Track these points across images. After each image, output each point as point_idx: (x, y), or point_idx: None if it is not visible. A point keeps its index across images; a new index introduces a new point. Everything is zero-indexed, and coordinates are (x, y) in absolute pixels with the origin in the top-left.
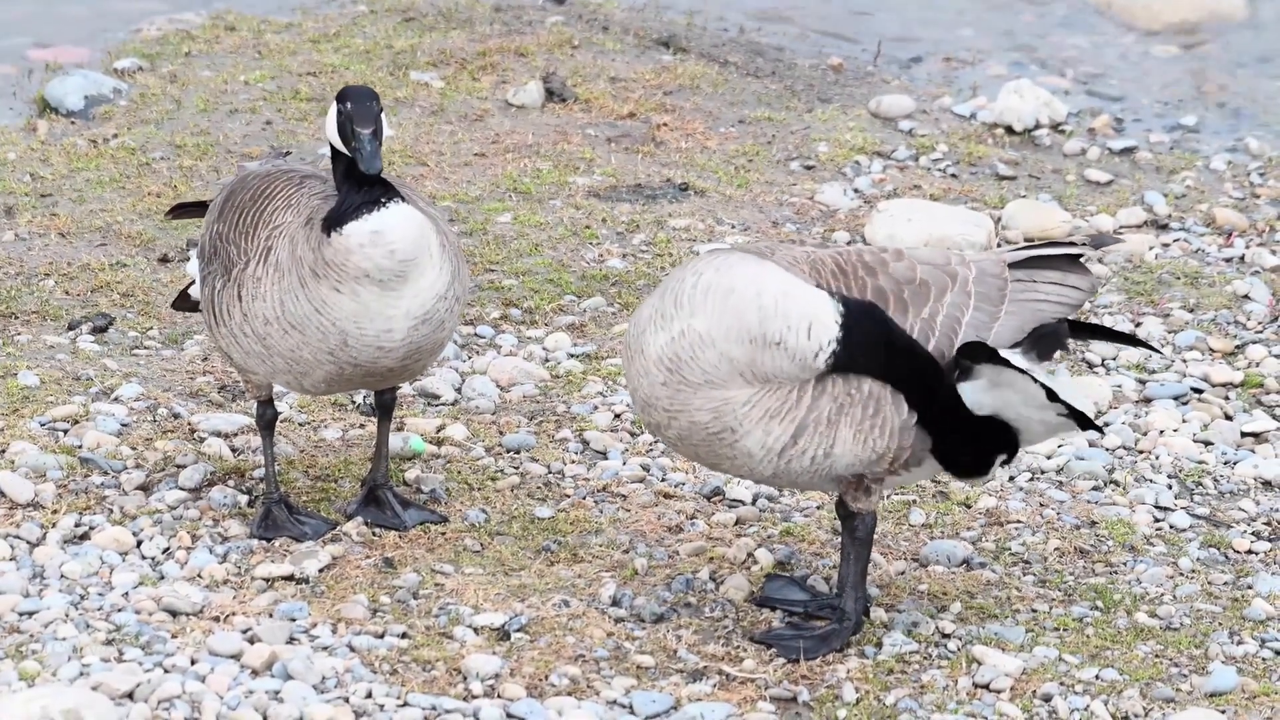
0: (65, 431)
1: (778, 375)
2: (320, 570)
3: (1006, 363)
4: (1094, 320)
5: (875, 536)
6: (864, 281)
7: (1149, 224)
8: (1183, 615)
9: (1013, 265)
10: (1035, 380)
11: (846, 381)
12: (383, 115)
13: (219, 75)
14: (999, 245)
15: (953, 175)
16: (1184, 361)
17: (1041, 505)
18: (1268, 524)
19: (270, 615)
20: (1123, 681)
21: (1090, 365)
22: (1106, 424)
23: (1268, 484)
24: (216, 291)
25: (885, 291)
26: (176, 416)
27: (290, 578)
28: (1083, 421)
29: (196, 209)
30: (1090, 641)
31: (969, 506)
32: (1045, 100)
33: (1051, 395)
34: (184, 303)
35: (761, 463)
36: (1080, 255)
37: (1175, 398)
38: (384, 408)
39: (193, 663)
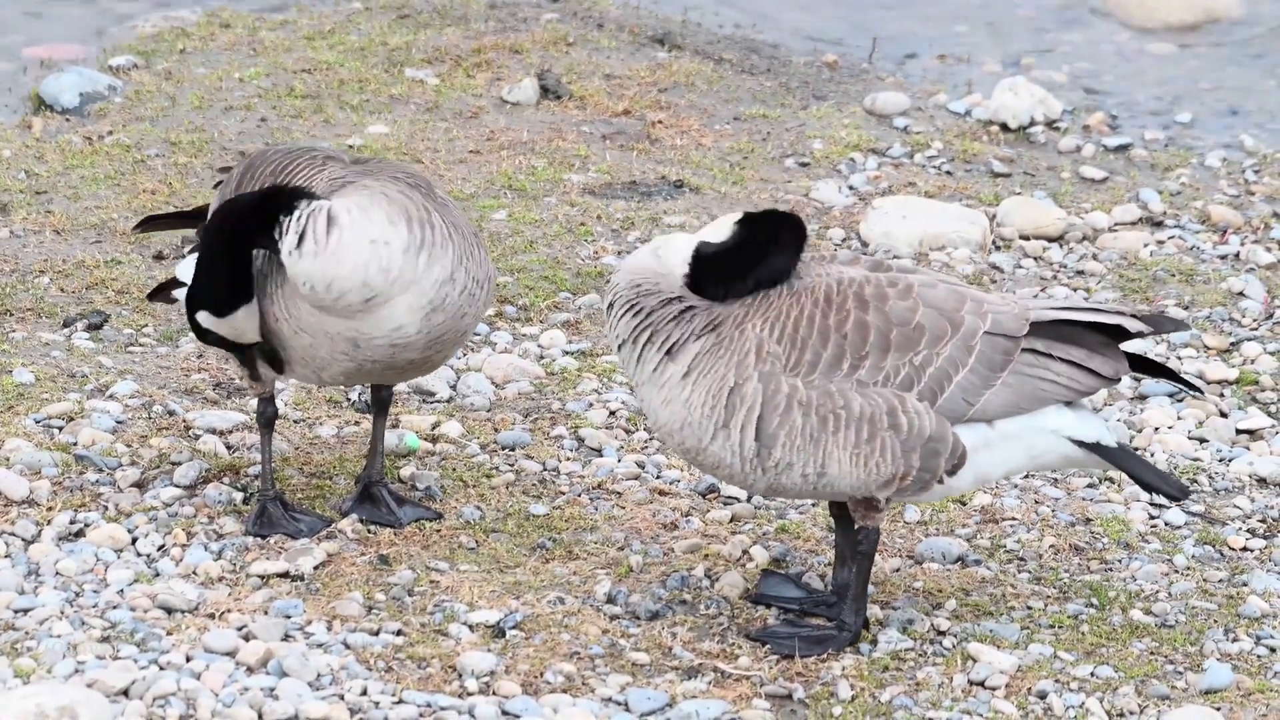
0: (60, 428)
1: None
2: (315, 567)
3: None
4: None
5: None
6: (847, 313)
7: (1144, 221)
8: (1178, 612)
9: (1040, 325)
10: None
11: (815, 388)
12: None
13: (214, 72)
14: (994, 243)
15: (948, 172)
16: (1179, 359)
17: (1036, 502)
18: (1262, 521)
19: (265, 612)
20: (1118, 679)
21: None
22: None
23: (1262, 481)
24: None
25: (868, 326)
26: (171, 413)
27: (285, 575)
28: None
29: (168, 221)
30: (1085, 639)
31: (964, 504)
32: (1040, 97)
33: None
34: (161, 295)
35: (750, 475)
36: (1123, 329)
37: (1170, 395)
38: (380, 404)
39: (188, 660)
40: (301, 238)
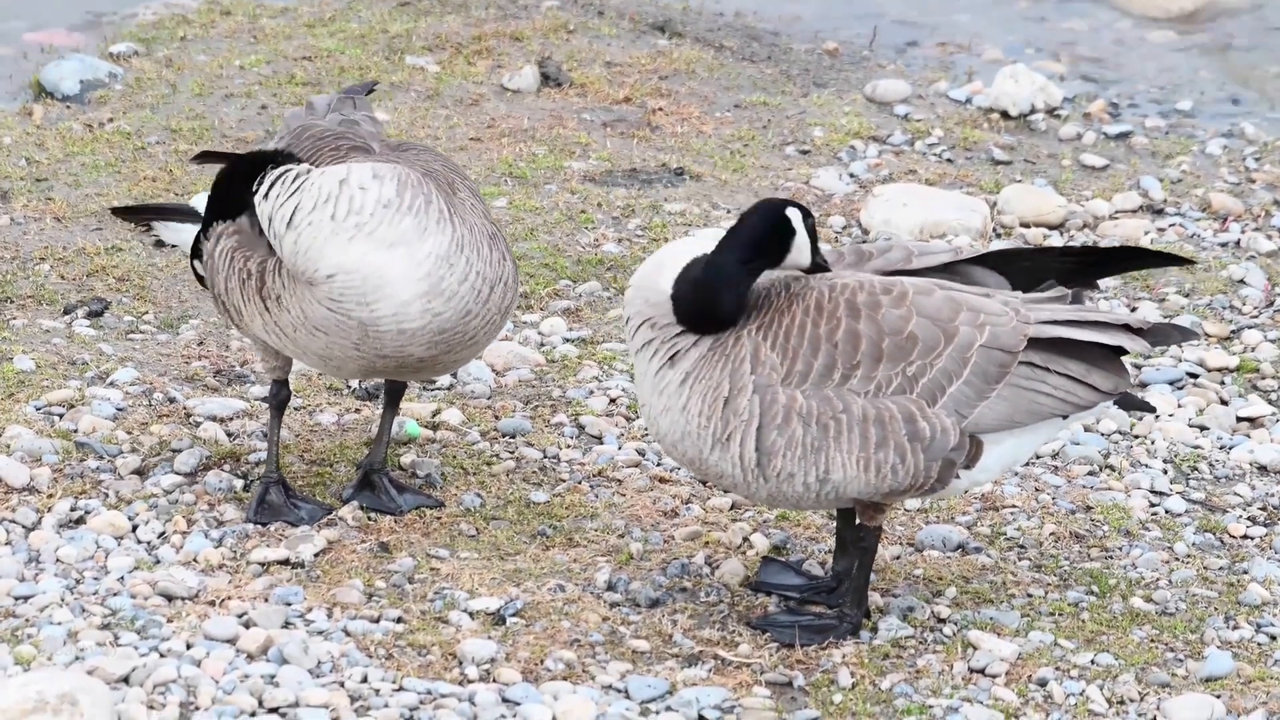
0: (61, 416)
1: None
2: (316, 555)
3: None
4: (1090, 302)
5: None
6: (838, 322)
7: (1145, 209)
8: (1178, 600)
9: (1039, 341)
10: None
11: (813, 397)
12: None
13: (214, 60)
14: (995, 230)
15: (948, 160)
16: (1179, 346)
17: (1037, 490)
18: (1263, 509)
19: (266, 600)
20: (1118, 666)
21: None
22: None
23: (1263, 469)
24: (244, 301)
25: (859, 335)
26: (172, 401)
27: (286, 562)
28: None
29: (225, 158)
30: (1085, 626)
31: (964, 491)
32: (1041, 85)
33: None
34: (129, 214)
35: (754, 484)
36: (1122, 348)
37: (1171, 383)
38: (393, 395)
39: (188, 647)
40: (273, 185)
